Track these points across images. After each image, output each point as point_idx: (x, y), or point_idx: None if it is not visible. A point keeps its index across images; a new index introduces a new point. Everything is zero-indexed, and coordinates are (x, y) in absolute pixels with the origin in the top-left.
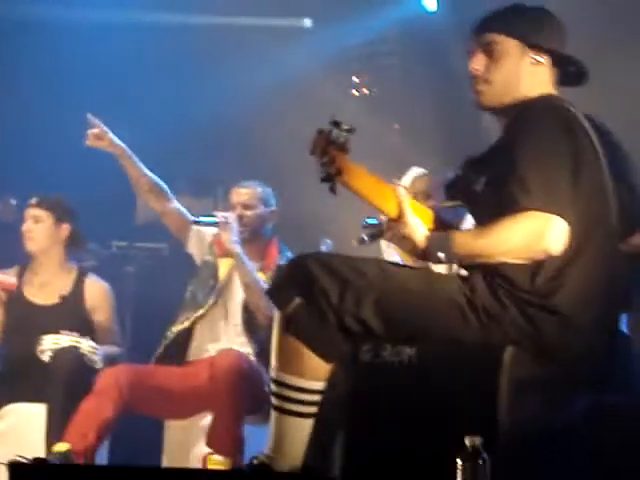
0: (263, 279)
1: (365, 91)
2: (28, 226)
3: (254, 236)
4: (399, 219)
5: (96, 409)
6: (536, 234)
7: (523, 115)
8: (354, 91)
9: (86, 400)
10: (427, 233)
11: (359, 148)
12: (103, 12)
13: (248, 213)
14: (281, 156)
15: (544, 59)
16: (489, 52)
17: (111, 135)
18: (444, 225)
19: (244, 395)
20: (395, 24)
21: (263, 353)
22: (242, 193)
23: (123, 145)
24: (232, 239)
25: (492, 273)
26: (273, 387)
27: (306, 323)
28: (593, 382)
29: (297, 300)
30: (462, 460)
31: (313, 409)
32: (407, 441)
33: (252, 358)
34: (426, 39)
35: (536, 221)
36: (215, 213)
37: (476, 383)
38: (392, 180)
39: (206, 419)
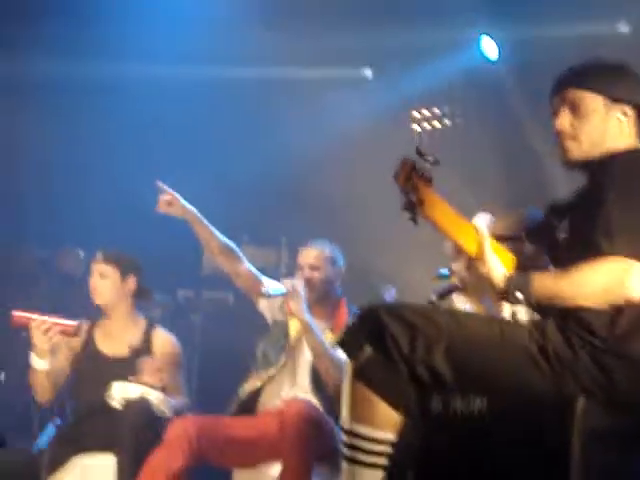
0: (332, 339)
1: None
2: (94, 282)
3: (322, 297)
4: (478, 257)
5: (166, 460)
6: (616, 279)
7: (610, 164)
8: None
9: (156, 451)
10: (506, 273)
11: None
12: (168, 69)
13: (316, 275)
14: (342, 210)
15: (630, 112)
16: (574, 109)
17: (182, 201)
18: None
19: (313, 442)
20: (457, 73)
21: (332, 412)
22: (310, 255)
23: (194, 210)
24: (300, 308)
25: (568, 317)
26: (344, 437)
27: (377, 372)
28: None
29: (368, 349)
30: None
31: (384, 460)
32: None
33: (320, 408)
34: (487, 87)
35: (617, 266)
36: (283, 282)
37: (548, 434)
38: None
39: (275, 468)
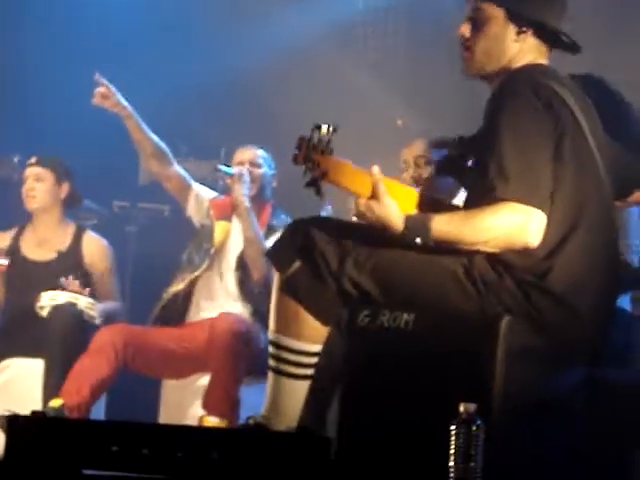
0: None
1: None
2: (30, 184)
3: (258, 195)
4: (373, 198)
5: (91, 367)
6: (517, 228)
7: (502, 90)
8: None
9: (81, 358)
10: (403, 215)
11: (363, 118)
12: None
13: (256, 170)
14: (283, 121)
15: (529, 30)
16: (474, 20)
17: (118, 95)
18: (434, 200)
19: (242, 358)
20: None
21: (257, 313)
22: (248, 152)
23: (128, 106)
24: (243, 192)
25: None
26: (271, 349)
27: (305, 286)
28: (589, 356)
29: (297, 263)
30: (456, 426)
31: (310, 371)
32: (402, 406)
33: (249, 320)
34: (431, 3)
35: (517, 214)
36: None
37: (472, 351)
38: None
39: (203, 380)
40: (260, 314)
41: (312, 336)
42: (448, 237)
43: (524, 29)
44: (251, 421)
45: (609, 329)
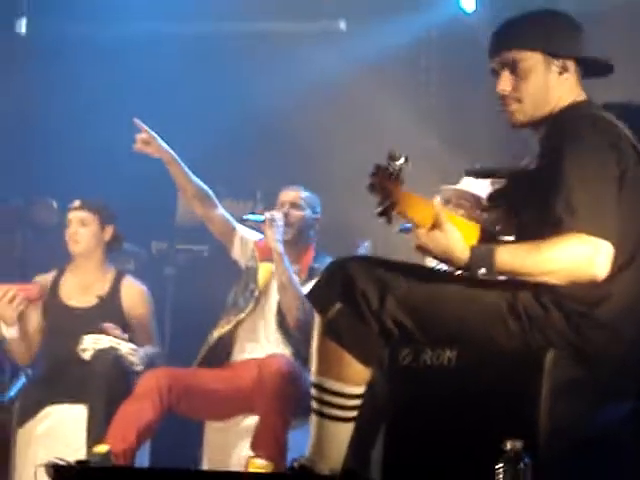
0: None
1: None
2: (75, 229)
3: (297, 238)
4: (436, 227)
5: (136, 411)
6: (584, 259)
7: (561, 128)
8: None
9: (126, 402)
10: (468, 246)
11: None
12: (148, 22)
13: (294, 213)
14: (318, 161)
15: (570, 65)
16: (514, 70)
17: (159, 140)
18: (490, 237)
19: (290, 399)
20: (432, 26)
21: (297, 356)
22: (290, 193)
23: (170, 150)
24: (276, 237)
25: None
26: (313, 392)
27: (347, 328)
28: (636, 389)
29: (338, 304)
30: (503, 464)
31: (353, 414)
32: (447, 445)
33: (296, 362)
34: (464, 40)
35: (584, 246)
36: (263, 212)
37: (517, 387)
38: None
39: (247, 421)
40: (300, 357)
41: (355, 378)
42: (513, 268)
43: (566, 67)
44: (296, 464)
45: None
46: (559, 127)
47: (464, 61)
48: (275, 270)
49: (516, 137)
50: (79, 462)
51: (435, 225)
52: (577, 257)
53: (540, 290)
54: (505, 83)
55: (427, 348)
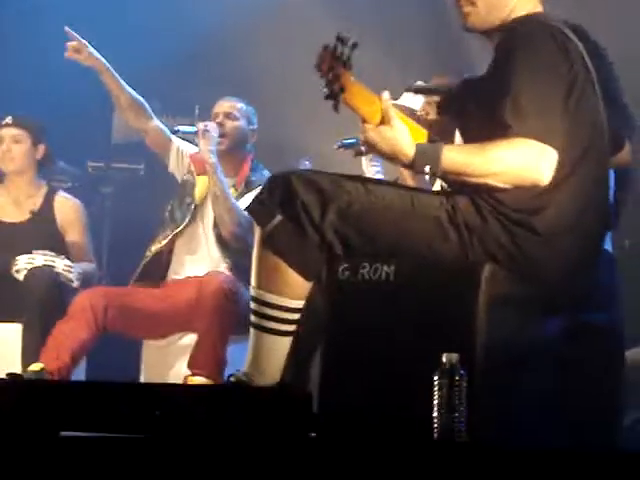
0: (234, 194)
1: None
2: (7, 146)
3: (232, 150)
4: (383, 123)
5: (70, 331)
6: (529, 163)
7: (514, 33)
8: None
9: (60, 322)
10: (414, 143)
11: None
12: None
13: (229, 123)
14: (263, 77)
15: None
16: None
17: (90, 48)
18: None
19: (230, 317)
20: None
21: (236, 269)
22: (225, 104)
23: (102, 59)
24: (209, 148)
25: (479, 189)
26: (252, 305)
27: (287, 239)
28: (573, 301)
29: (278, 217)
30: (439, 376)
31: (292, 327)
32: (384, 359)
33: (236, 278)
34: None
35: (530, 150)
36: (196, 123)
37: (454, 301)
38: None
39: (185, 339)
40: (239, 269)
41: (294, 291)
42: (458, 167)
43: None
44: (232, 379)
45: (595, 271)
46: (512, 33)
47: None
48: (208, 181)
49: (460, 53)
50: (10, 375)
51: (383, 121)
52: (522, 160)
53: (479, 198)
54: None
55: (365, 262)
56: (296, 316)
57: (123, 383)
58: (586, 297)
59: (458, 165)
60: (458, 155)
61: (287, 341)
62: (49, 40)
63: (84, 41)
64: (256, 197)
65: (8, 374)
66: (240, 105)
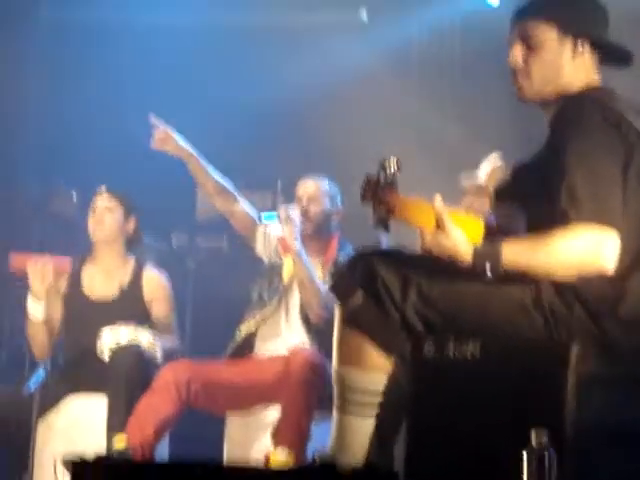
0: (321, 275)
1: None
2: (100, 214)
3: (317, 232)
4: (440, 229)
5: (154, 405)
6: (590, 252)
7: (567, 114)
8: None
9: (145, 397)
10: (471, 245)
11: (421, 146)
12: (166, 14)
13: (313, 207)
14: (339, 151)
15: (585, 47)
16: (527, 42)
17: (176, 137)
18: (498, 229)
19: (315, 390)
20: (456, 19)
21: (321, 347)
22: (309, 186)
23: (188, 147)
24: (293, 235)
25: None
26: (335, 387)
27: (367, 316)
28: None
29: (359, 294)
30: (527, 453)
31: (374, 410)
32: (471, 437)
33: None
34: (488, 34)
35: (590, 237)
36: (279, 209)
37: (541, 380)
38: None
39: (269, 414)
40: (324, 350)
41: (376, 370)
42: (519, 264)
43: (580, 46)
44: (317, 458)
45: None
46: (566, 112)
47: (487, 54)
48: (293, 268)
49: (539, 131)
50: (97, 457)
51: (438, 227)
52: (583, 249)
53: (561, 287)
54: (516, 55)
55: (450, 340)
56: (378, 399)
57: (208, 464)
58: None
59: (519, 262)
60: (518, 252)
61: (370, 423)
62: (139, 118)
63: (170, 131)
64: (337, 275)
65: (97, 456)
66: (324, 185)
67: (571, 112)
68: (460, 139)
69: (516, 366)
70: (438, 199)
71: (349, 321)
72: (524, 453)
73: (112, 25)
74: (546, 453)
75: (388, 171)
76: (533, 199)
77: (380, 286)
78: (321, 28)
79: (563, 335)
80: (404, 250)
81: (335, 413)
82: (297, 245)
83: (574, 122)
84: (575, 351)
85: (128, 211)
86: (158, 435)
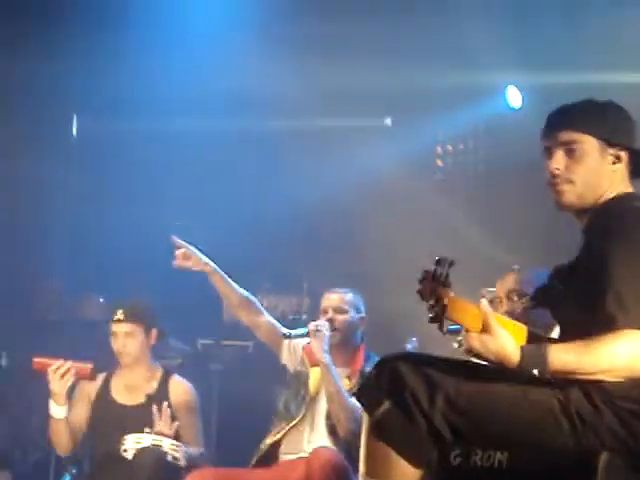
0: (348, 386)
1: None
2: (122, 342)
3: (344, 342)
4: (486, 332)
5: None
6: (638, 355)
7: (606, 219)
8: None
9: None
10: (518, 346)
11: (448, 249)
12: (187, 120)
13: (339, 318)
14: (364, 256)
15: (623, 155)
16: (569, 151)
17: (198, 254)
18: (537, 337)
19: None
20: (479, 121)
21: (348, 460)
22: (333, 298)
23: (211, 263)
24: (322, 348)
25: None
26: None
27: (395, 427)
28: None
29: (386, 404)
30: None
31: None
32: None
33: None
34: (511, 136)
35: (638, 341)
36: (308, 324)
37: None
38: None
39: None
40: (351, 462)
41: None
42: (566, 367)
43: (619, 157)
44: None
45: None
46: (604, 218)
47: (510, 155)
48: (322, 380)
49: (559, 231)
50: None
51: (484, 329)
52: (631, 354)
53: (590, 389)
54: (558, 161)
55: (478, 449)
56: None
57: None
58: None
59: (567, 365)
60: (566, 355)
61: None
62: (163, 220)
63: (192, 248)
64: (364, 383)
65: None
66: (348, 296)
67: (611, 217)
68: (482, 241)
69: (545, 476)
70: (484, 302)
71: (376, 430)
72: None
73: (139, 136)
74: None
75: (444, 269)
76: (568, 301)
77: (407, 393)
78: (349, 133)
79: (592, 440)
80: (430, 355)
81: None
82: (326, 358)
83: (615, 227)
84: (604, 460)
85: (149, 326)
86: None
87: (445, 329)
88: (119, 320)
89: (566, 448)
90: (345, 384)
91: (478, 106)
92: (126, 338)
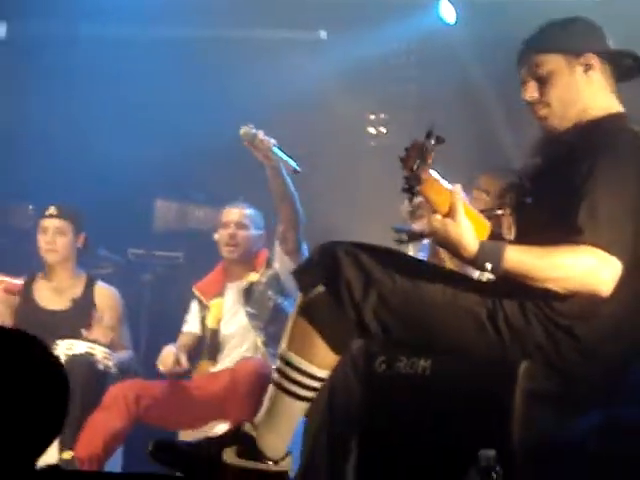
0: (256, 278)
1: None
2: (51, 237)
3: (244, 257)
4: (449, 216)
5: (103, 421)
6: (593, 274)
7: (594, 137)
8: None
9: (95, 411)
10: (477, 239)
11: (378, 165)
12: (120, 27)
13: (241, 233)
14: (300, 166)
15: (593, 62)
16: (537, 76)
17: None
18: (498, 237)
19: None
20: (412, 36)
21: (271, 343)
22: (234, 212)
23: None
24: (270, 147)
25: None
26: (278, 363)
27: (324, 311)
28: (608, 398)
29: (320, 287)
30: (475, 473)
31: (311, 394)
32: (419, 454)
33: (269, 363)
34: (444, 52)
35: (597, 261)
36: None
37: (489, 397)
38: None
39: (218, 428)
40: (270, 345)
41: (322, 362)
42: (520, 269)
43: (590, 64)
44: (242, 429)
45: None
46: (595, 137)
47: (443, 73)
48: (272, 179)
49: (492, 151)
50: (47, 467)
51: (450, 213)
52: (587, 269)
53: (525, 300)
54: (531, 90)
55: (402, 356)
56: (318, 384)
57: (156, 475)
58: (621, 394)
59: (520, 267)
60: (521, 257)
61: (303, 406)
62: (96, 129)
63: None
64: (303, 262)
65: (46, 466)
66: (249, 212)
67: (602, 137)
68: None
69: (465, 383)
70: (459, 187)
71: (305, 310)
72: (472, 471)
73: (75, 32)
74: (493, 472)
75: (432, 141)
76: (535, 209)
77: (342, 282)
78: (281, 45)
79: (516, 351)
80: (375, 246)
81: (271, 389)
82: (275, 155)
83: (606, 146)
84: (523, 368)
85: (79, 229)
86: (107, 449)
87: (412, 205)
88: (51, 215)
89: (489, 356)
90: (254, 278)
91: (411, 21)
92: (56, 234)
